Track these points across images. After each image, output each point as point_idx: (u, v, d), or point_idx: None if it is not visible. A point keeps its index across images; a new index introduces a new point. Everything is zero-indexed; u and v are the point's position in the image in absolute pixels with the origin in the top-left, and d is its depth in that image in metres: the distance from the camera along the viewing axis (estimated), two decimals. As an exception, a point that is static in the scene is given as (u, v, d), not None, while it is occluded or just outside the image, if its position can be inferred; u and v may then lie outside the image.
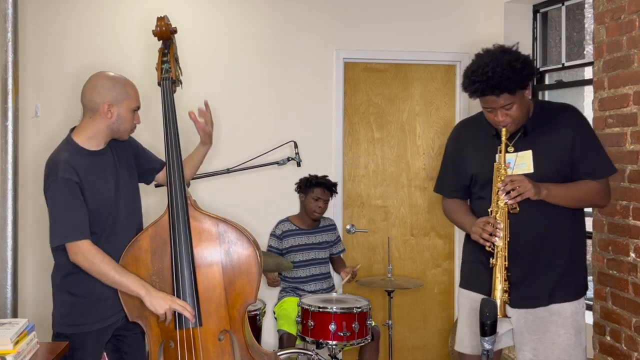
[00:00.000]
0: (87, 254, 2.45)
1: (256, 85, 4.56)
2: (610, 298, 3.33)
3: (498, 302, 2.50)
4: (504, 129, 2.56)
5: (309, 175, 4.26)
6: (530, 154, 2.61)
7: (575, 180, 2.62)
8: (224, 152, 4.34)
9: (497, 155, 2.63)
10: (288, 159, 3.86)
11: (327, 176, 4.31)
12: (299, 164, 3.89)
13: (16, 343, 2.24)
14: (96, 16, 4.42)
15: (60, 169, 2.47)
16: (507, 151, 2.60)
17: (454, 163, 2.84)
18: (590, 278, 3.74)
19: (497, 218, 2.55)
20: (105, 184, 2.58)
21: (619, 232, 3.25)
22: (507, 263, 2.54)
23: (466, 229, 2.74)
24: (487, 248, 2.56)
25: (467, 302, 2.81)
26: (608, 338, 3.35)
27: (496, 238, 2.53)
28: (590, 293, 4.01)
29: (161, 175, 2.89)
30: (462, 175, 2.80)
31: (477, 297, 2.72)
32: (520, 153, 2.62)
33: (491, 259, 2.56)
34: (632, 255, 3.15)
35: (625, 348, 3.20)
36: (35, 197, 4.29)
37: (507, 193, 2.51)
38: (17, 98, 2.98)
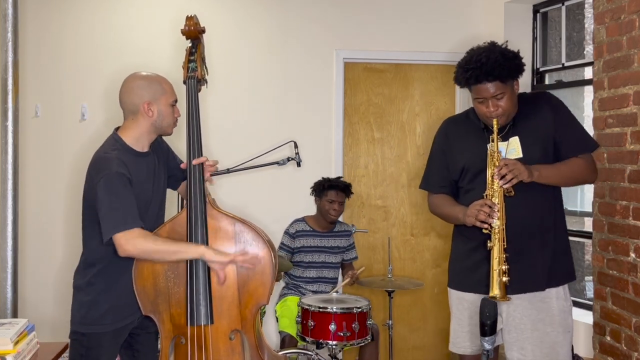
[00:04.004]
0: (142, 238, 2.46)
1: (256, 85, 4.56)
2: (610, 298, 3.33)
3: (496, 281, 2.52)
4: (495, 120, 2.62)
5: (322, 178, 4.26)
6: (517, 139, 2.68)
7: (562, 160, 2.68)
8: (224, 152, 4.34)
9: (488, 145, 2.68)
10: (288, 159, 3.86)
11: (341, 177, 4.32)
12: (299, 164, 3.88)
13: (16, 343, 2.24)
14: (96, 16, 4.42)
15: (114, 164, 2.49)
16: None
17: (442, 157, 2.87)
18: (590, 278, 3.74)
19: (493, 200, 2.59)
20: (147, 186, 2.63)
21: (619, 232, 3.25)
22: (505, 244, 2.55)
23: (458, 217, 2.73)
24: (484, 230, 2.58)
25: (458, 302, 2.82)
26: (608, 338, 3.35)
27: (493, 219, 2.55)
28: (590, 293, 4.02)
29: (184, 186, 2.90)
30: (452, 169, 2.82)
31: (468, 297, 2.75)
32: (509, 140, 2.69)
33: (488, 242, 2.57)
34: (632, 255, 3.15)
35: (625, 348, 3.20)
36: (36, 197, 4.32)
37: (502, 177, 2.55)
38: (17, 98, 2.98)
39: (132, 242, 2.45)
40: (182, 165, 2.73)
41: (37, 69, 4.33)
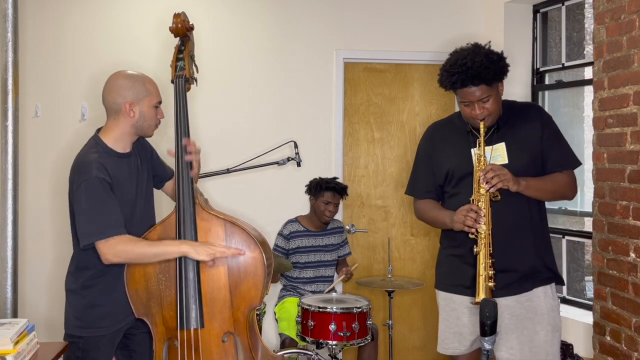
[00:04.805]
0: (122, 245, 2.45)
1: (256, 85, 4.56)
2: (610, 298, 3.33)
3: (482, 287, 2.53)
4: (481, 123, 2.62)
5: (319, 178, 4.25)
6: (504, 145, 2.69)
7: (546, 173, 2.70)
8: (224, 152, 4.34)
9: (472, 150, 2.69)
10: (288, 159, 3.86)
11: (337, 178, 4.31)
12: (299, 164, 3.89)
13: (16, 343, 2.24)
14: (96, 16, 4.42)
15: (94, 168, 2.46)
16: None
17: (428, 162, 2.87)
18: (590, 278, 3.74)
19: (479, 205, 2.59)
20: (129, 187, 2.61)
21: (619, 232, 3.25)
22: (491, 249, 2.56)
23: (445, 222, 2.75)
24: (470, 235, 2.59)
25: (445, 304, 2.83)
26: (608, 338, 3.35)
27: (480, 225, 2.56)
28: (590, 293, 4.02)
29: (169, 186, 2.89)
30: (437, 174, 2.83)
31: (455, 298, 2.77)
32: (494, 146, 2.69)
33: (475, 247, 2.58)
34: (632, 255, 3.15)
35: (625, 348, 3.20)
36: (36, 197, 4.32)
37: (488, 181, 2.55)
38: (17, 98, 2.98)
39: (112, 250, 2.44)
40: (170, 153, 2.69)
41: (37, 69, 4.33)
